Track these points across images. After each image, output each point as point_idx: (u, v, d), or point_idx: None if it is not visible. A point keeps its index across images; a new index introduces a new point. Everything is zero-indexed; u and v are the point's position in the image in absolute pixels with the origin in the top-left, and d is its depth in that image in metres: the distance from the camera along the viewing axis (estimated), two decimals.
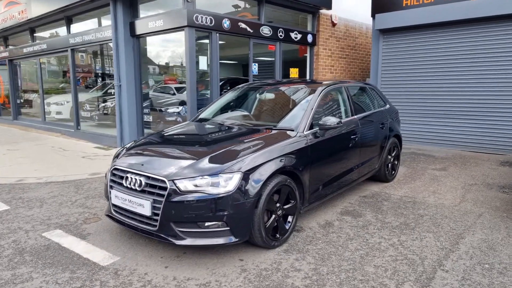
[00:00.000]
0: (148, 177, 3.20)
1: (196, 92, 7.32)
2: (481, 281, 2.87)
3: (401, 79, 8.94)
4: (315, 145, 3.86)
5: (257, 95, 5.07)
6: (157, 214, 3.08)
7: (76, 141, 9.61)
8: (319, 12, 9.77)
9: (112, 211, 3.50)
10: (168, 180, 3.07)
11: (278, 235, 3.44)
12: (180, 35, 7.30)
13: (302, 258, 3.25)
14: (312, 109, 4.06)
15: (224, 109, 5.02)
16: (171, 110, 8.20)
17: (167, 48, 8.47)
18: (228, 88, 8.77)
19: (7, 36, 13.48)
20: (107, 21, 8.62)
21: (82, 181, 5.75)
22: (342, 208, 4.52)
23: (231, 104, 5.11)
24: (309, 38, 9.66)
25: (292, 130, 3.85)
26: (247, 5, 8.74)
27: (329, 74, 10.33)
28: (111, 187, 3.48)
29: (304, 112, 4.03)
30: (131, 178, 3.29)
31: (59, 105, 11.38)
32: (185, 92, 7.45)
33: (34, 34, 11.92)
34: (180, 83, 8.17)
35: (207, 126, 4.54)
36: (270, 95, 5.00)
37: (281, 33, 8.84)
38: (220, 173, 3.11)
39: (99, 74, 10.35)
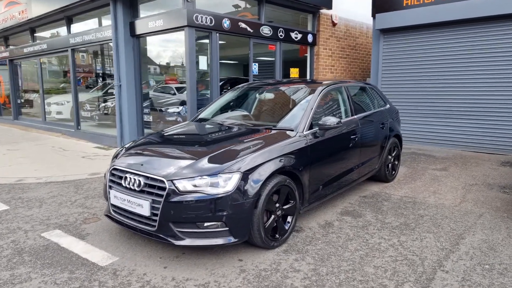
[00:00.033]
0: (147, 177, 3.19)
1: (196, 92, 7.31)
2: (481, 282, 2.85)
3: (401, 79, 8.92)
4: (314, 145, 3.84)
5: (257, 95, 5.06)
6: (156, 214, 3.07)
7: (76, 141, 9.61)
8: (319, 12, 9.76)
9: (111, 211, 3.49)
10: (167, 180, 3.06)
11: (277, 236, 3.43)
12: (180, 35, 7.30)
13: (302, 258, 3.24)
14: (312, 109, 4.05)
15: (223, 109, 5.01)
16: (171, 110, 8.19)
17: (167, 48, 8.46)
18: (229, 88, 8.76)
19: (7, 36, 13.49)
20: (107, 21, 8.61)
21: (81, 181, 5.75)
22: (342, 208, 4.50)
23: (231, 104, 5.11)
24: (310, 38, 9.64)
25: (292, 130, 3.84)
26: (247, 5, 8.73)
27: (329, 74, 10.32)
28: (110, 187, 3.47)
29: (304, 112, 4.02)
30: (130, 178, 3.28)
31: (60, 105, 11.38)
32: (185, 92, 7.44)
33: (35, 34, 11.92)
34: (181, 83, 8.16)
35: (207, 126, 4.53)
36: (269, 95, 4.99)
37: (281, 33, 8.82)
38: (219, 173, 3.10)
39: (100, 74, 10.35)
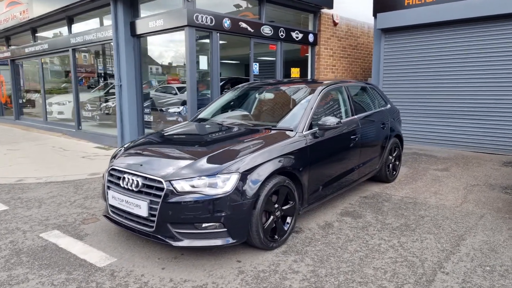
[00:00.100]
0: (145, 178, 3.17)
1: (196, 92, 7.30)
2: (482, 283, 2.82)
3: (402, 79, 8.88)
4: (314, 146, 3.82)
5: (257, 95, 5.04)
6: (153, 215, 3.05)
7: (77, 141, 9.61)
8: (320, 12, 9.72)
9: (110, 211, 3.47)
10: (165, 181, 3.04)
11: (276, 236, 3.41)
12: (181, 35, 7.28)
13: (301, 259, 3.21)
14: (312, 109, 4.02)
15: (223, 109, 4.99)
16: (172, 110, 8.17)
17: (168, 48, 8.45)
18: (229, 88, 8.73)
19: (9, 36, 13.51)
20: (108, 21, 8.61)
21: (81, 181, 5.74)
22: (342, 209, 4.48)
23: (231, 104, 5.08)
24: (311, 37, 9.61)
25: (291, 130, 3.82)
26: (249, 5, 8.70)
27: (330, 74, 10.28)
28: (109, 187, 3.46)
29: (303, 112, 4.00)
30: (128, 178, 3.26)
31: (61, 105, 11.39)
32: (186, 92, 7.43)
33: (36, 34, 11.93)
34: (182, 82, 8.15)
35: (206, 126, 4.51)
36: (269, 95, 4.97)
37: (282, 33, 8.80)
38: (217, 174, 3.08)
39: (101, 74, 10.35)
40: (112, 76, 9.44)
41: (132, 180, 3.22)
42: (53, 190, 5.30)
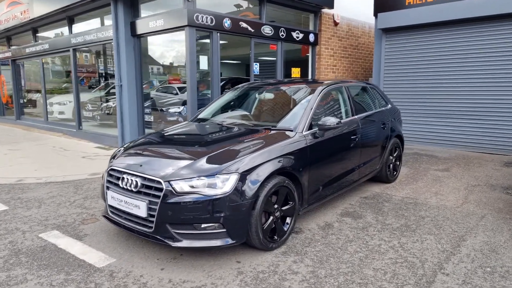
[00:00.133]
0: (144, 178, 3.16)
1: (196, 92, 7.29)
2: (482, 285, 2.80)
3: (403, 79, 8.86)
4: (314, 146, 3.80)
5: (256, 95, 5.02)
6: (153, 216, 3.04)
7: (77, 141, 9.61)
8: (321, 12, 9.71)
9: (109, 212, 3.46)
10: (164, 181, 3.03)
11: (276, 237, 3.40)
12: (181, 35, 7.27)
13: (300, 260, 3.20)
14: (311, 109, 4.01)
15: (223, 109, 4.98)
16: (172, 110, 8.16)
17: (168, 48, 8.44)
18: (230, 88, 8.72)
19: (10, 36, 13.52)
20: (108, 21, 8.60)
21: (81, 181, 5.73)
22: (342, 209, 4.46)
23: (231, 104, 5.07)
24: (311, 37, 9.59)
25: (291, 131, 3.80)
26: (250, 5, 8.68)
27: (331, 73, 10.26)
28: (108, 188, 3.45)
29: (303, 112, 3.98)
30: (127, 179, 3.25)
31: (62, 105, 11.39)
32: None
33: (37, 34, 11.94)
34: (183, 82, 8.14)
35: (206, 126, 4.50)
36: (269, 95, 4.95)
37: (282, 33, 8.78)
38: (217, 174, 3.06)
39: (102, 74, 10.35)
40: (113, 76, 9.43)
41: (131, 180, 3.21)
42: (53, 190, 5.30)
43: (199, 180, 3.03)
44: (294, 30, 9.07)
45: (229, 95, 5.15)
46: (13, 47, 13.47)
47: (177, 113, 7.97)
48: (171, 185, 3.01)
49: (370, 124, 4.92)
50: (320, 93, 4.25)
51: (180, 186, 3.01)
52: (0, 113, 15.26)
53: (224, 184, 3.04)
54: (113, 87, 9.00)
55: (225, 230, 3.04)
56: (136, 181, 3.18)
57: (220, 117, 4.74)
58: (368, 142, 4.84)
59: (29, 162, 7.07)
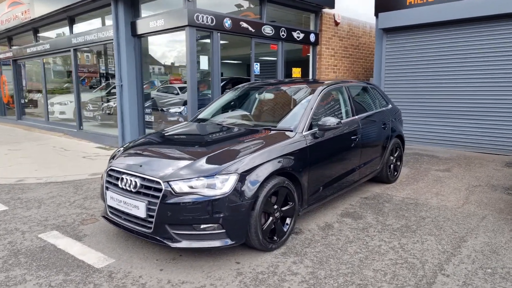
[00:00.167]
0: (143, 178, 3.15)
1: (197, 92, 7.28)
2: (483, 286, 2.79)
3: (404, 79, 8.84)
4: (314, 146, 3.79)
5: (256, 95, 5.01)
6: (152, 216, 3.03)
7: (78, 141, 9.62)
8: (322, 11, 9.69)
9: (108, 212, 3.46)
10: (163, 182, 3.02)
11: (275, 238, 3.38)
12: (181, 35, 7.26)
13: (300, 261, 3.19)
14: (311, 109, 3.99)
15: (223, 109, 4.97)
16: (173, 110, 8.16)
17: (169, 48, 8.43)
18: (231, 88, 8.70)
19: (11, 36, 13.54)
20: (109, 21, 8.60)
21: (81, 182, 5.73)
22: (342, 209, 4.45)
23: (231, 104, 5.06)
24: (312, 37, 9.58)
25: (291, 131, 3.79)
26: (250, 5, 8.67)
27: (332, 73, 10.24)
28: (107, 188, 3.44)
29: (303, 112, 3.97)
30: (126, 179, 3.24)
31: (63, 105, 11.40)
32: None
33: (38, 34, 11.95)
34: (185, 82, 8.13)
35: (205, 126, 4.49)
36: (269, 95, 4.94)
37: (283, 33, 8.77)
38: (216, 175, 3.05)
39: (103, 74, 10.35)
40: (114, 76, 9.43)
41: (130, 180, 3.21)
42: (53, 190, 5.30)
43: (198, 181, 3.02)
44: (294, 30, 9.06)
45: (229, 95, 5.14)
46: (14, 47, 13.49)
47: (177, 113, 7.97)
48: (170, 185, 3.00)
49: (371, 124, 4.91)
50: (320, 93, 4.23)
51: (179, 186, 3.00)
52: (1, 113, 15.28)
53: (224, 185, 3.02)
54: (114, 87, 9.00)
55: (224, 230, 3.03)
56: (135, 182, 3.17)
57: (220, 117, 4.73)
58: (369, 142, 4.82)
59: (30, 162, 7.07)
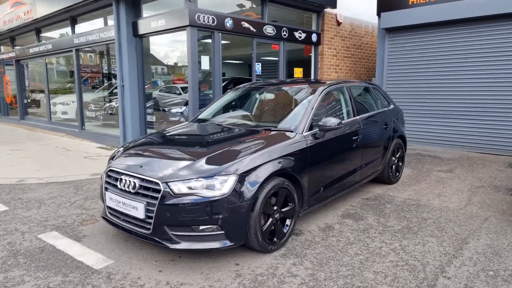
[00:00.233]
0: (142, 179, 3.14)
1: (198, 92, 7.27)
2: None
3: (407, 79, 8.79)
4: (314, 147, 3.76)
5: (257, 95, 4.99)
6: (150, 217, 3.02)
7: (80, 141, 9.63)
8: (323, 11, 9.66)
9: (107, 213, 3.44)
10: (162, 182, 3.00)
11: (275, 239, 3.36)
12: (183, 35, 7.25)
13: (300, 263, 3.16)
14: (312, 109, 3.96)
15: (224, 110, 4.95)
16: (175, 110, 8.15)
17: (170, 48, 8.43)
18: (232, 88, 8.68)
19: (13, 36, 13.58)
20: (111, 21, 8.61)
21: (82, 182, 5.73)
22: (343, 210, 4.42)
23: (231, 104, 5.04)
24: (314, 37, 9.55)
25: (291, 131, 3.76)
26: (252, 5, 8.65)
27: (334, 73, 10.21)
28: (106, 189, 3.43)
29: (304, 112, 3.94)
30: (125, 180, 3.23)
31: (65, 105, 11.43)
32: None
33: (40, 35, 11.98)
34: (186, 82, 8.12)
35: (206, 126, 4.47)
36: (270, 96, 4.91)
37: (285, 33, 8.74)
38: (215, 175, 3.03)
39: (105, 74, 10.36)
40: (116, 76, 9.44)
41: (129, 181, 3.19)
42: (53, 190, 5.30)
43: (197, 182, 3.00)
44: (296, 30, 9.03)
45: (229, 96, 5.12)
46: (16, 47, 13.53)
47: (179, 113, 7.96)
48: (169, 186, 2.99)
49: (372, 125, 4.87)
50: (321, 93, 4.21)
51: (178, 187, 2.98)
52: (5, 113, 15.34)
53: (223, 186, 3.00)
54: (116, 87, 9.00)
55: (223, 232, 3.01)
56: (134, 182, 3.16)
57: (220, 118, 4.71)
58: (370, 143, 4.79)
59: (31, 162, 7.08)
